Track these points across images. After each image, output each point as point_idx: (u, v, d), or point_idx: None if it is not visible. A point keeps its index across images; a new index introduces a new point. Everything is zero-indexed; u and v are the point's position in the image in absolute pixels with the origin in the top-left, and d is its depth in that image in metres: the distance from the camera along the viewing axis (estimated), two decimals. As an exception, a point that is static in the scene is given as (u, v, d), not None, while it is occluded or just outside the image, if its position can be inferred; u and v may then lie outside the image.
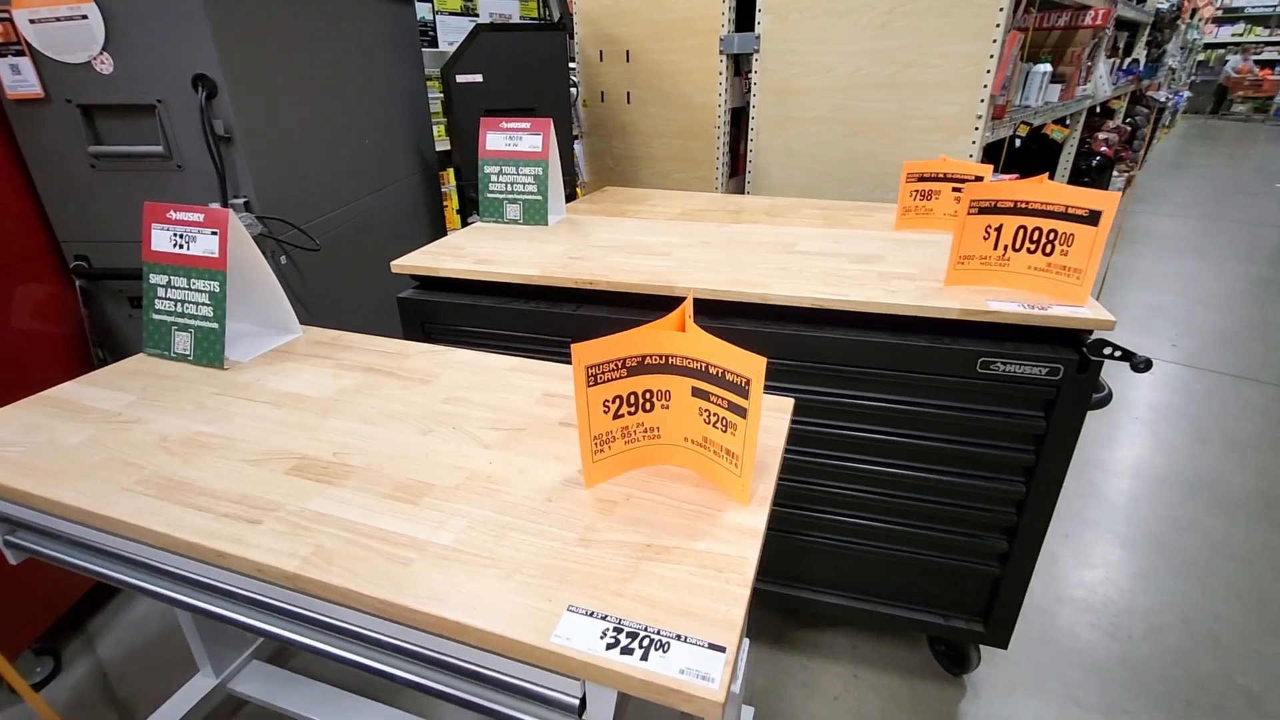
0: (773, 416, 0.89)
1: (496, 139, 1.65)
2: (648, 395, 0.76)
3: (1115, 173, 5.60)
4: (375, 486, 0.75)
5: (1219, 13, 12.21)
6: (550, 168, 1.67)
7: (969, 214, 1.14)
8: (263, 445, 0.84)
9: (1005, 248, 1.16)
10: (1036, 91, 2.80)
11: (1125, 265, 4.40)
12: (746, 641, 1.02)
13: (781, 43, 2.51)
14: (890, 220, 1.77)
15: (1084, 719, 1.37)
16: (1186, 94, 11.67)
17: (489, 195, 1.68)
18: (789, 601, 1.44)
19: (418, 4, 4.36)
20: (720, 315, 1.24)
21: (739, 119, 2.87)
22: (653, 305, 1.26)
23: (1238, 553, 1.84)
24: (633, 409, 0.76)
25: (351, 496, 0.74)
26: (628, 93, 3.07)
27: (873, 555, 1.35)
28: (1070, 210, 1.08)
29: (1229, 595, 1.69)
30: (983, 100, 2.12)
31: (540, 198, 1.64)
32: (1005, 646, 1.34)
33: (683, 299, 1.25)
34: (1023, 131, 2.45)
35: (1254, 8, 12.42)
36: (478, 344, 1.38)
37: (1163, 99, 6.75)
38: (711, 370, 0.73)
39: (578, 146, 3.44)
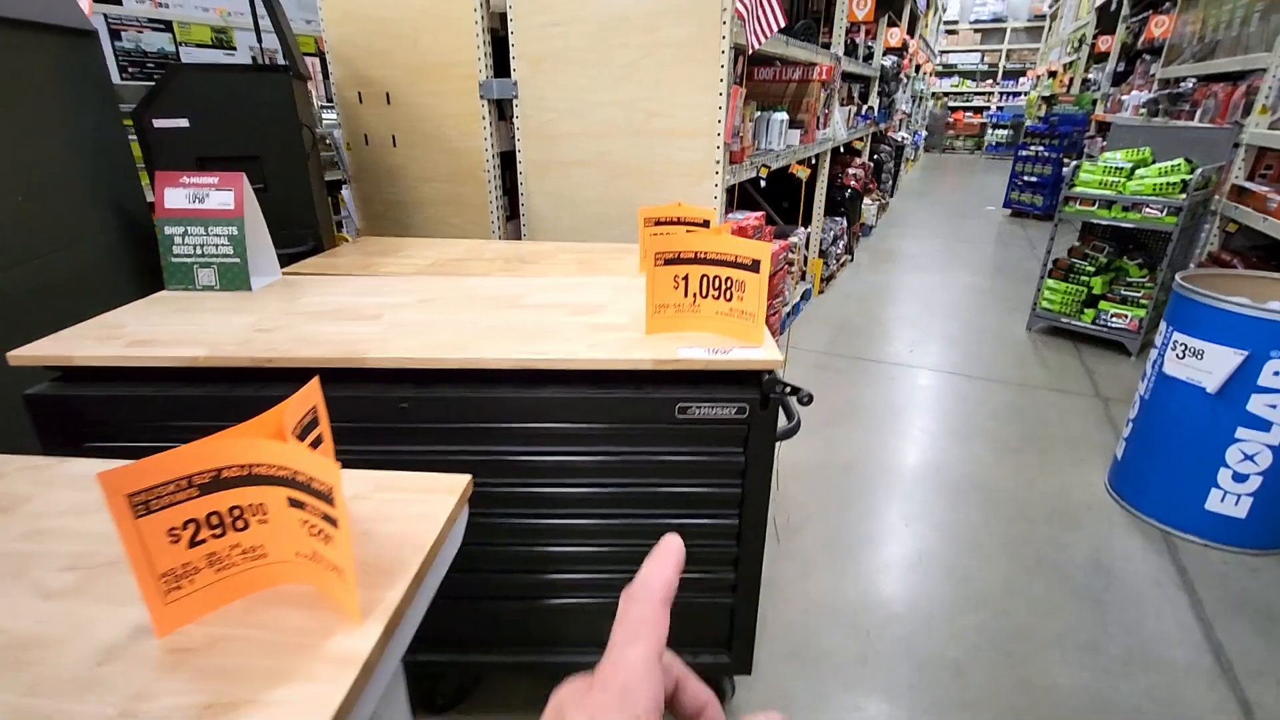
0: (433, 502, 0.83)
1: (177, 196, 1.45)
2: (236, 512, 0.66)
3: (868, 201, 6.50)
4: None
5: (940, 68, 14.88)
6: (250, 226, 1.50)
7: (656, 265, 1.18)
8: None
9: (694, 295, 1.22)
10: (777, 136, 3.13)
11: (882, 282, 5.07)
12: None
13: (538, 90, 2.54)
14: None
15: (826, 724, 1.47)
16: (924, 134, 14.02)
17: (174, 260, 1.46)
18: (538, 669, 1.39)
19: (154, 34, 3.84)
20: (428, 383, 1.17)
21: (512, 163, 2.85)
22: (346, 379, 1.15)
23: (953, 534, 2.13)
24: (218, 531, 0.65)
25: None
26: (393, 136, 2.92)
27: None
28: (739, 260, 1.16)
29: (941, 577, 1.94)
30: (718, 147, 2.31)
31: (238, 260, 1.46)
32: (749, 672, 1.39)
33: (381, 369, 1.16)
34: (764, 173, 2.72)
35: (964, 65, 15.34)
36: (143, 445, 1.16)
37: (900, 139, 8.01)
38: (300, 479, 0.64)
39: (346, 192, 3.22)
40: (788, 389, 1.14)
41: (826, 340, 3.77)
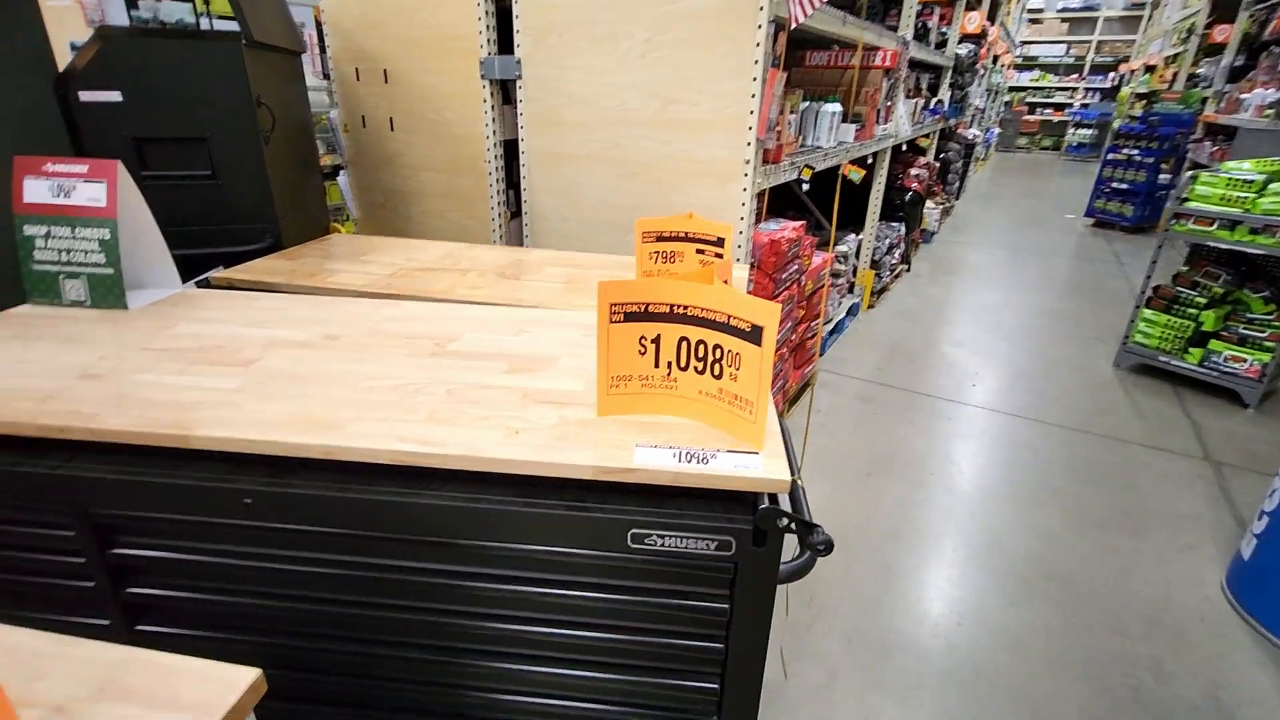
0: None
1: (38, 188, 1.15)
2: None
3: (932, 205, 5.91)
4: None
5: (1019, 60, 13.79)
6: (132, 228, 1.19)
7: (612, 322, 0.81)
8: None
9: (669, 365, 0.84)
10: (827, 131, 2.68)
11: (940, 297, 4.54)
12: None
13: (543, 68, 2.18)
14: (621, 290, 1.45)
15: None
16: (997, 131, 13.04)
17: (36, 267, 1.16)
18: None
19: (173, 4, 3.64)
20: (281, 471, 0.82)
21: (516, 153, 2.51)
22: (173, 458, 0.83)
23: (1018, 642, 1.69)
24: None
25: None
26: (390, 118, 2.62)
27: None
28: (732, 322, 0.77)
29: (1003, 707, 1.51)
30: (749, 144, 1.90)
31: (110, 271, 1.15)
32: None
33: (203, 450, 0.83)
34: (806, 175, 2.29)
35: (1046, 57, 14.17)
36: (-94, 523, 0.87)
37: (971, 136, 7.31)
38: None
39: (342, 178, 2.94)
40: (794, 524, 0.75)
41: (874, 366, 3.30)
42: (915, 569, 1.93)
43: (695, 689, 0.89)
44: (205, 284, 1.54)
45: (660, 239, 1.43)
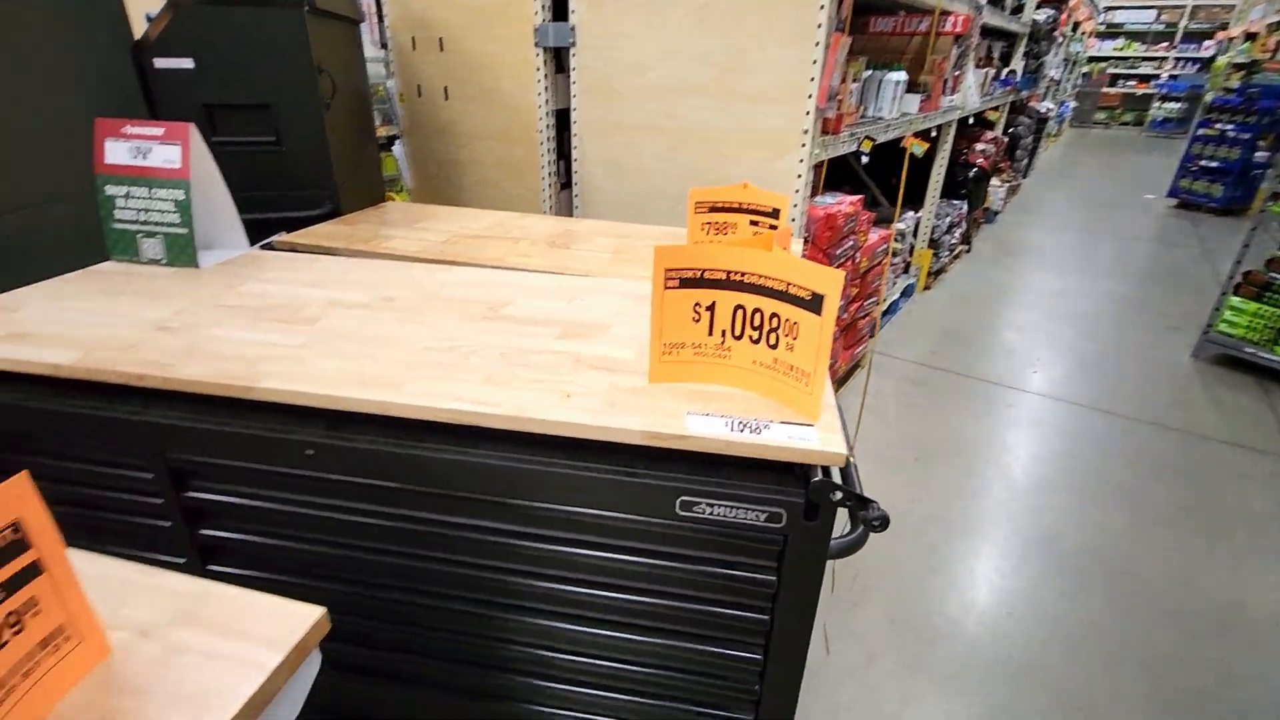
0: (239, 669, 0.52)
1: (119, 150, 1.20)
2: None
3: (998, 182, 5.63)
4: None
5: (1101, 27, 12.88)
6: (203, 189, 1.23)
7: (667, 288, 0.80)
8: None
9: (723, 333, 0.82)
10: (890, 102, 2.56)
11: (1002, 280, 4.34)
12: None
13: (598, 36, 2.15)
14: (672, 260, 1.43)
15: None
16: (1073, 104, 12.27)
17: (116, 226, 1.22)
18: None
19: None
20: (341, 425, 0.85)
21: (569, 123, 2.50)
22: (240, 407, 0.86)
23: (1070, 636, 1.63)
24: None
25: None
26: (445, 87, 2.64)
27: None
28: (791, 290, 0.75)
29: (1050, 703, 1.46)
30: (808, 113, 1.83)
31: (184, 231, 1.20)
32: (762, 842, 1.02)
33: (269, 402, 0.86)
34: (866, 147, 2.20)
35: (1133, 24, 13.17)
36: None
37: (1044, 110, 6.90)
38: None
39: (397, 148, 2.99)
40: (848, 499, 0.73)
41: (927, 349, 3.20)
42: (964, 557, 1.88)
43: (739, 659, 0.89)
44: (269, 246, 1.59)
45: (713, 210, 1.40)
